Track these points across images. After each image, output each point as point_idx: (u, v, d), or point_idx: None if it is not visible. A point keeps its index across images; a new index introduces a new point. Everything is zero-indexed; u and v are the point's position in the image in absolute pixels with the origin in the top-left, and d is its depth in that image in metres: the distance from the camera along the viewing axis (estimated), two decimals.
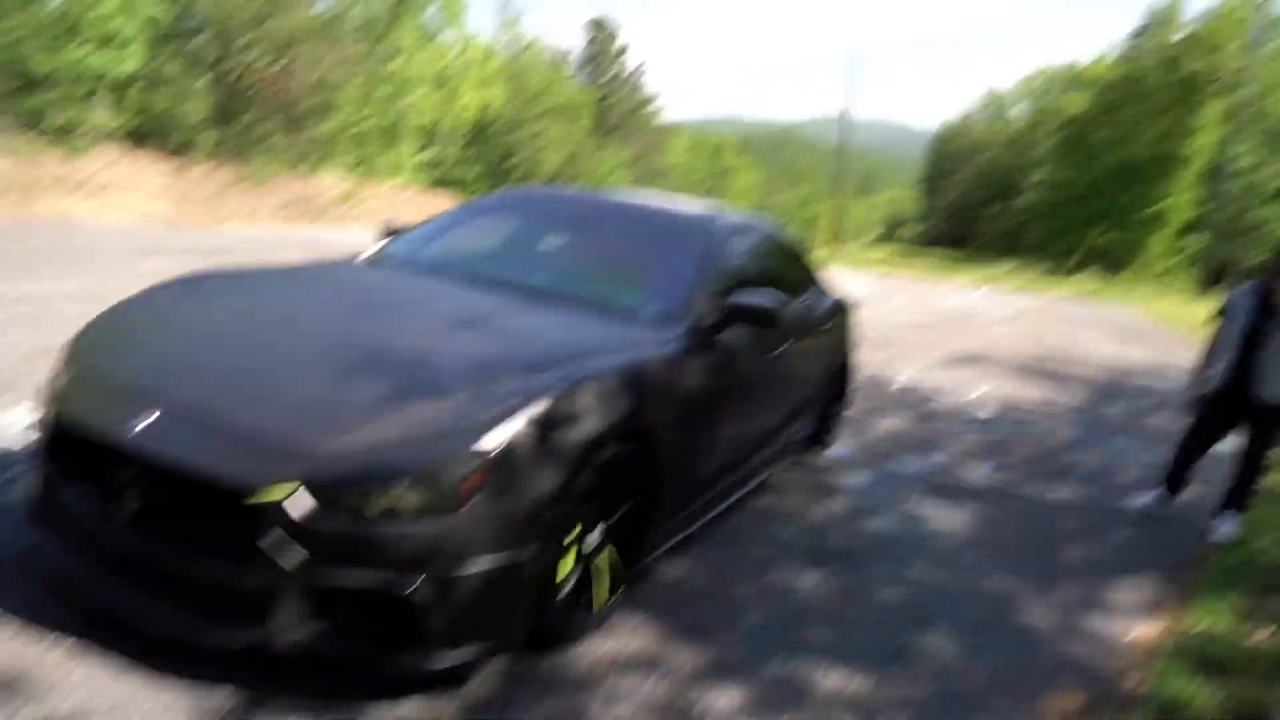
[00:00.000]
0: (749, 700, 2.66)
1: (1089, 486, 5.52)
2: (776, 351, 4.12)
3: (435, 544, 2.23)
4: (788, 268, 4.86)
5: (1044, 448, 6.41)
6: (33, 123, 16.40)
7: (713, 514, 3.79)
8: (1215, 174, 33.65)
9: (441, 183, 31.55)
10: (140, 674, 2.33)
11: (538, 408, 2.46)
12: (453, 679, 2.51)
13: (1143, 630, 3.54)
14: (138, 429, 2.31)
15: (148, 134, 18.88)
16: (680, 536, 3.45)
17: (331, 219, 20.69)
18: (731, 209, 4.82)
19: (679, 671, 2.75)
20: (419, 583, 2.22)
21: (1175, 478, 5.04)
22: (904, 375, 8.70)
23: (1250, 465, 4.73)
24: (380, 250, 4.08)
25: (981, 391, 8.31)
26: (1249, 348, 4.58)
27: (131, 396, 2.43)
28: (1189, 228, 36.34)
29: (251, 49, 19.90)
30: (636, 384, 2.86)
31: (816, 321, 4.91)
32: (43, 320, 6.13)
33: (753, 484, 4.29)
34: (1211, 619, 3.64)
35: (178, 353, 2.71)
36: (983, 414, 7.34)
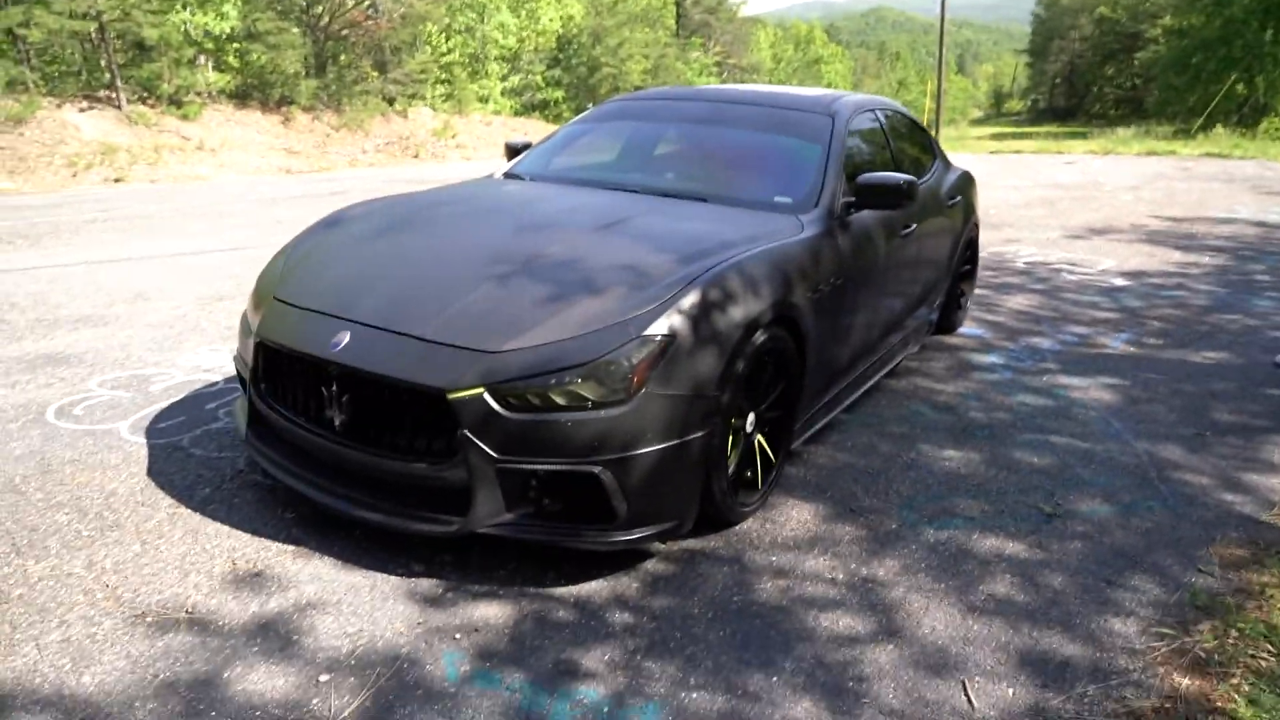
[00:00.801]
0: (910, 567, 2.78)
1: (1234, 348, 5.31)
2: (907, 230, 4.10)
3: (612, 430, 2.40)
4: (911, 144, 4.78)
5: (1183, 313, 6.16)
6: (149, 90, 17.23)
7: (854, 397, 3.88)
8: None
9: (529, 107, 31.56)
10: (359, 567, 2.63)
11: (693, 297, 2.58)
12: (630, 559, 2.74)
13: None
14: (339, 346, 2.56)
15: (250, 91, 19.60)
16: (825, 421, 3.57)
17: (430, 154, 21.12)
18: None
19: (839, 545, 2.90)
20: (601, 466, 2.41)
21: None
22: (1027, 252, 8.43)
23: None
24: (513, 166, 4.24)
25: (1111, 262, 7.98)
26: None
27: (326, 319, 2.68)
28: None
29: None
30: (781, 269, 2.95)
31: (944, 198, 4.83)
32: (205, 271, 6.64)
33: (890, 365, 4.34)
34: None
35: (357, 276, 2.93)
36: (1114, 284, 7.08)
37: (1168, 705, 2.18)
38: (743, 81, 42.48)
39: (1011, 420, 4.07)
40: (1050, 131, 39.26)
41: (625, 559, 2.73)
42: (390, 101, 22.08)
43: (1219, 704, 2.19)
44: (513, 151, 4.50)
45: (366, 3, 21.36)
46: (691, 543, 2.86)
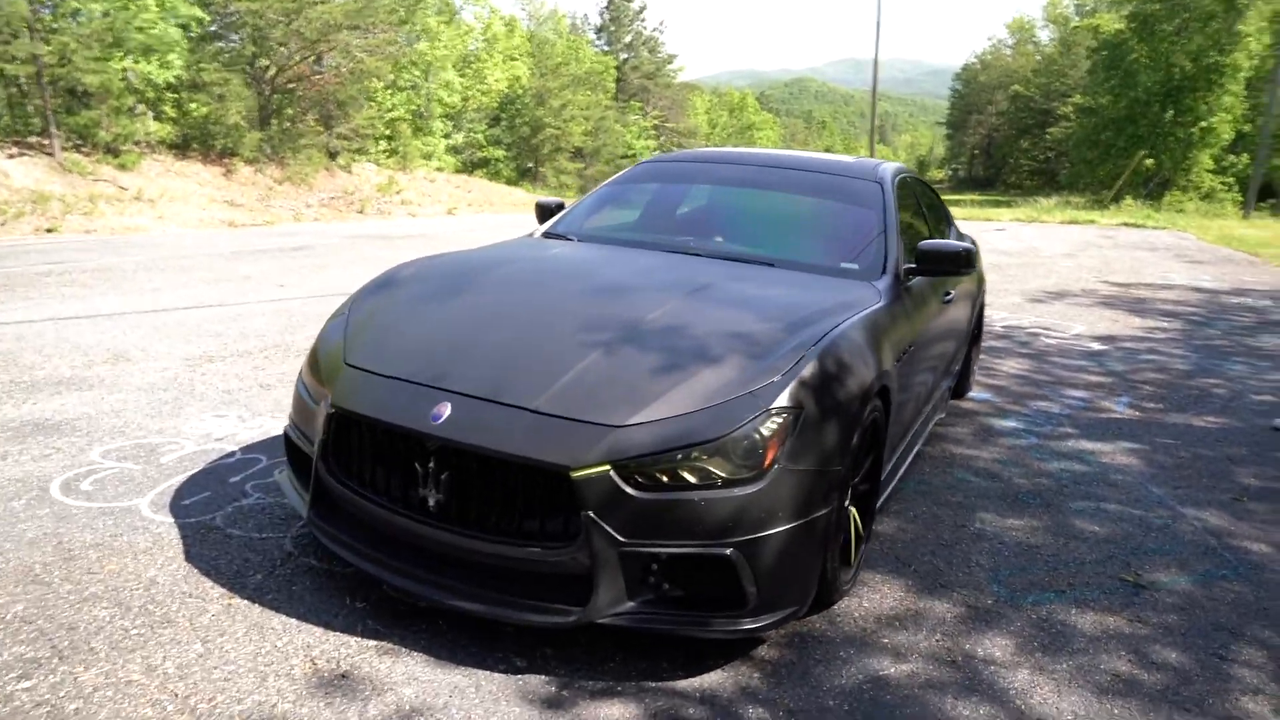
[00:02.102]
0: (1023, 646, 2.67)
1: (1229, 412, 5.47)
2: (949, 297, 4.10)
3: (746, 509, 2.25)
4: (935, 210, 4.83)
5: (1167, 377, 6.35)
6: (85, 137, 16.57)
7: (905, 466, 3.80)
8: (1266, 81, 32.44)
9: (470, 165, 31.53)
10: (455, 664, 2.38)
11: (813, 366, 2.47)
12: (741, 647, 2.56)
13: None
14: (440, 419, 2.35)
15: (191, 141, 19.05)
16: (888, 491, 3.47)
17: (375, 210, 20.77)
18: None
19: (945, 623, 2.78)
20: (733, 548, 2.25)
21: None
22: (999, 316, 8.64)
23: None
24: (552, 226, 4.10)
25: (1081, 327, 8.25)
26: None
27: (420, 388, 2.46)
28: (1238, 141, 35.22)
29: (285, 45, 19.90)
30: (876, 337, 2.87)
31: None
32: (183, 329, 6.25)
33: (926, 433, 4.30)
34: None
35: (443, 342, 2.70)
36: (1093, 348, 7.28)
37: None
38: (680, 146, 43.33)
39: (1056, 487, 4.05)
40: (974, 199, 41.10)
41: (735, 646, 2.55)
42: (334, 156, 21.75)
43: None
44: (544, 211, 4.36)
45: (313, 57, 21.14)
46: (794, 625, 2.70)
